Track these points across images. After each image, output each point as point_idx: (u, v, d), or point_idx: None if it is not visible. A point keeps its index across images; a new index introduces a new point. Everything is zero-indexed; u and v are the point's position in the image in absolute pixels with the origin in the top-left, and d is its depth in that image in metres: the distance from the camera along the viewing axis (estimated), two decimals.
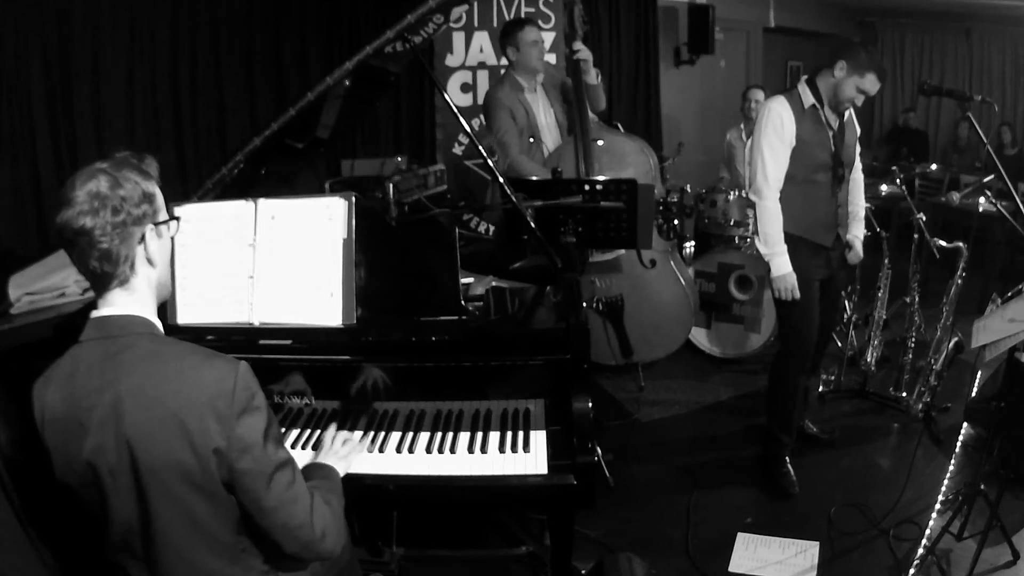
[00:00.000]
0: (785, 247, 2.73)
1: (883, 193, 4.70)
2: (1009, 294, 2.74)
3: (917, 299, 3.72)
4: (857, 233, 3.02)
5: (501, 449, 1.74)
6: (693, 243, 4.84)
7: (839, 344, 4.02)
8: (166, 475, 1.20)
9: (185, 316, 1.80)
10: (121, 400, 1.19)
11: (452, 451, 1.74)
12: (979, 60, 8.00)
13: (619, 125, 4.32)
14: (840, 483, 2.96)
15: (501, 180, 2.21)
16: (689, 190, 4.62)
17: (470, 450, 1.74)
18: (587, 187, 2.53)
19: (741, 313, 4.13)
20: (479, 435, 1.78)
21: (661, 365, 4.04)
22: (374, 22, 5.08)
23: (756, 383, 3.84)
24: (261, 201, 1.82)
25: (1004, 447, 2.53)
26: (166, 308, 1.72)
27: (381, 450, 1.76)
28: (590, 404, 1.71)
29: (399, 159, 4.78)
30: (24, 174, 4.09)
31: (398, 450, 1.76)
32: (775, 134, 2.67)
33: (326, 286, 1.77)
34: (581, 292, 2.06)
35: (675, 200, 4.48)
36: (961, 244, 3.50)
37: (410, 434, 1.80)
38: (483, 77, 5.08)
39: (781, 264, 2.74)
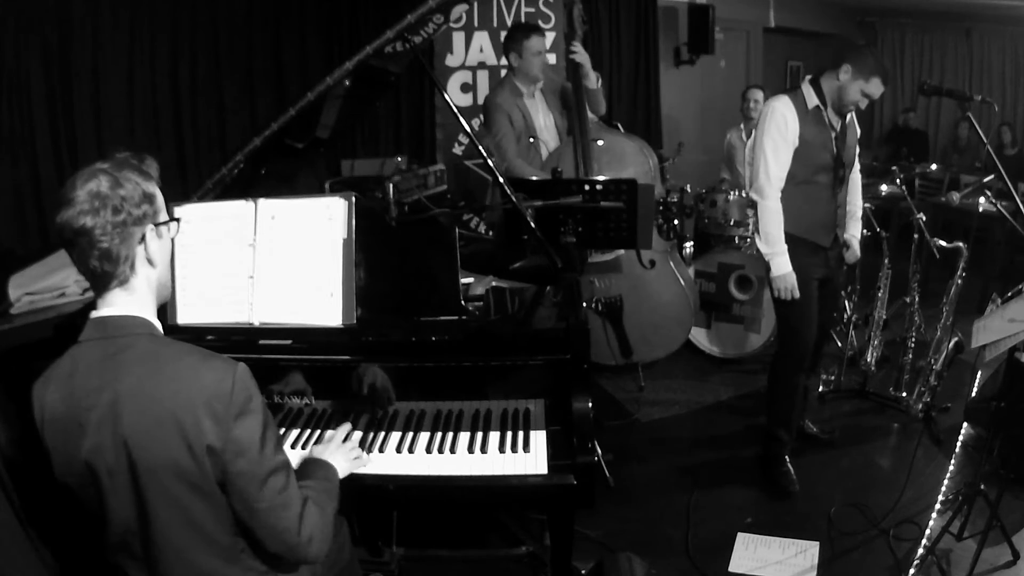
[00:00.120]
0: (785, 247, 2.73)
1: (883, 193, 4.69)
2: (1009, 294, 2.74)
3: (917, 299, 3.72)
4: (854, 232, 3.03)
5: (501, 449, 1.74)
6: (692, 243, 4.84)
7: (839, 344, 4.02)
8: (164, 475, 1.20)
9: (185, 316, 1.80)
10: (119, 400, 1.19)
11: (452, 451, 1.74)
12: (979, 60, 8.00)
13: (619, 125, 4.32)
14: (840, 483, 2.96)
15: (501, 180, 2.21)
16: (689, 190, 4.62)
17: (470, 450, 1.74)
18: (587, 187, 2.53)
19: (741, 313, 4.14)
20: (479, 435, 1.78)
21: (661, 365, 4.04)
22: (374, 22, 5.07)
23: (756, 383, 3.83)
24: (261, 201, 1.82)
25: (1004, 447, 2.53)
26: (166, 308, 1.72)
27: (381, 450, 1.76)
28: (590, 404, 1.71)
29: (399, 159, 4.77)
30: (24, 174, 4.08)
31: (398, 450, 1.76)
32: (778, 134, 2.67)
33: (326, 286, 1.77)
34: (581, 292, 2.06)
35: (675, 200, 4.48)
36: (961, 244, 3.50)
37: (410, 434, 1.80)
38: (483, 77, 5.07)
39: (781, 264, 2.74)
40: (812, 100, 2.69)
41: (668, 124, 6.47)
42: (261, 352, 1.77)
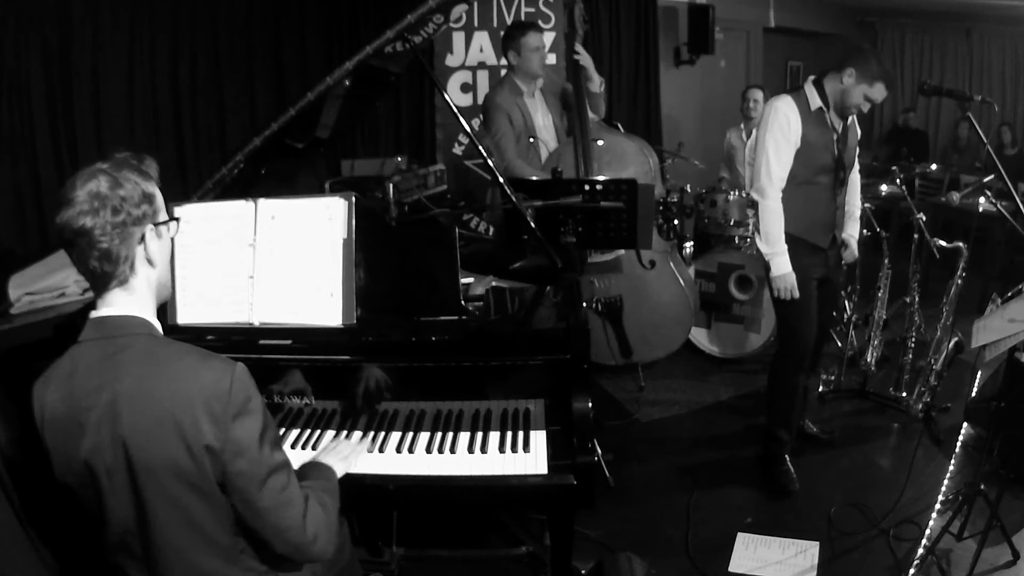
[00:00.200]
0: (786, 247, 2.73)
1: (883, 193, 4.69)
2: (1009, 294, 2.74)
3: (917, 299, 3.72)
4: (852, 232, 3.04)
5: (501, 449, 1.74)
6: (692, 243, 4.84)
7: (839, 344, 4.02)
8: (162, 475, 1.20)
9: (185, 316, 1.80)
10: (118, 400, 1.19)
11: (452, 451, 1.74)
12: (979, 60, 8.00)
13: (619, 125, 4.32)
14: (840, 483, 2.96)
15: (501, 180, 2.21)
16: (689, 190, 4.62)
17: (470, 450, 1.74)
18: (587, 187, 2.53)
19: (741, 313, 4.14)
20: (479, 435, 1.78)
21: (661, 365, 4.04)
22: (374, 22, 5.07)
23: (756, 383, 3.83)
24: (261, 201, 1.82)
25: (1004, 447, 2.53)
26: (166, 308, 1.72)
27: (381, 450, 1.76)
28: (590, 404, 1.71)
29: (399, 159, 4.77)
30: (24, 174, 4.08)
31: (398, 450, 1.76)
32: (781, 134, 2.67)
33: (326, 286, 1.77)
34: (581, 292, 2.06)
35: (675, 200, 4.48)
36: (961, 244, 3.50)
37: (410, 434, 1.80)
38: (483, 77, 5.07)
39: (781, 264, 2.74)
40: (815, 101, 2.69)
41: (668, 124, 6.47)
42: (261, 352, 1.77)
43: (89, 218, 1.17)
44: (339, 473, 1.57)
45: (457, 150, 5.22)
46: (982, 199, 4.29)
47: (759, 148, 2.75)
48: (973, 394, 3.31)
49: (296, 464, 1.43)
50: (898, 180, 3.87)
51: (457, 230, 1.90)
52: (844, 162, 2.78)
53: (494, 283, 2.21)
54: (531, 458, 1.70)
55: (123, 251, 1.22)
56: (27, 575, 1.52)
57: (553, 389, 1.77)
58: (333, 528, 1.38)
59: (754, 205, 2.80)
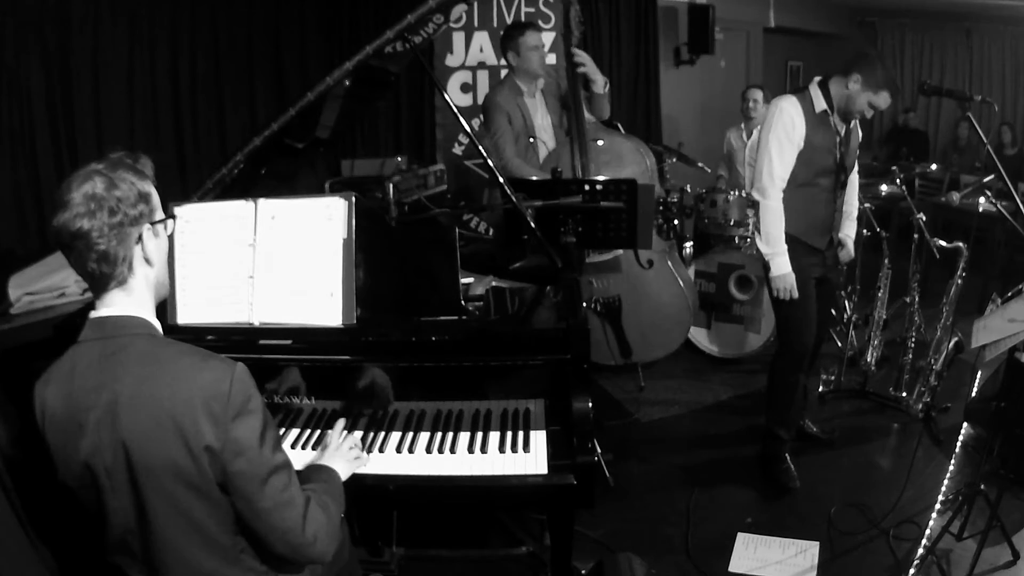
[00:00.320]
0: (786, 247, 2.73)
1: (883, 193, 4.70)
2: (1009, 294, 2.74)
3: (917, 299, 3.72)
4: (849, 232, 3.04)
5: (501, 449, 1.74)
6: (692, 243, 4.84)
7: (839, 344, 4.02)
8: (162, 475, 1.20)
9: (185, 316, 1.80)
10: (118, 400, 1.19)
11: (452, 451, 1.74)
12: (979, 60, 7.99)
13: (619, 125, 4.32)
14: (840, 483, 2.96)
15: (501, 180, 2.21)
16: (689, 190, 4.62)
17: (470, 450, 1.75)
18: (587, 187, 2.53)
19: (741, 313, 4.14)
20: (479, 435, 1.78)
21: (661, 365, 4.04)
22: (374, 22, 5.06)
23: (756, 383, 3.83)
24: (261, 201, 1.82)
25: (1004, 447, 2.53)
26: (166, 308, 1.72)
27: (381, 450, 1.76)
28: (590, 404, 1.72)
29: (399, 159, 4.77)
30: (24, 174, 4.07)
31: (398, 450, 1.76)
32: (785, 134, 2.66)
33: (326, 286, 1.77)
34: (581, 292, 2.06)
35: (675, 200, 4.48)
36: (961, 244, 3.50)
37: (410, 434, 1.80)
38: (483, 77, 5.07)
39: (781, 264, 2.74)
40: (820, 104, 2.69)
41: (668, 124, 6.46)
42: (261, 352, 1.77)
43: (86, 220, 1.17)
44: (343, 476, 1.56)
45: (457, 150, 5.22)
46: (982, 199, 4.30)
47: (762, 148, 2.75)
48: (973, 394, 3.30)
49: (297, 464, 1.43)
50: (898, 180, 3.87)
51: (457, 230, 1.90)
52: (845, 165, 2.79)
53: (494, 283, 2.21)
54: (531, 458, 1.70)
55: (121, 252, 1.22)
56: (27, 575, 1.52)
57: (553, 389, 1.77)
58: (334, 531, 1.37)
59: (754, 205, 2.81)
